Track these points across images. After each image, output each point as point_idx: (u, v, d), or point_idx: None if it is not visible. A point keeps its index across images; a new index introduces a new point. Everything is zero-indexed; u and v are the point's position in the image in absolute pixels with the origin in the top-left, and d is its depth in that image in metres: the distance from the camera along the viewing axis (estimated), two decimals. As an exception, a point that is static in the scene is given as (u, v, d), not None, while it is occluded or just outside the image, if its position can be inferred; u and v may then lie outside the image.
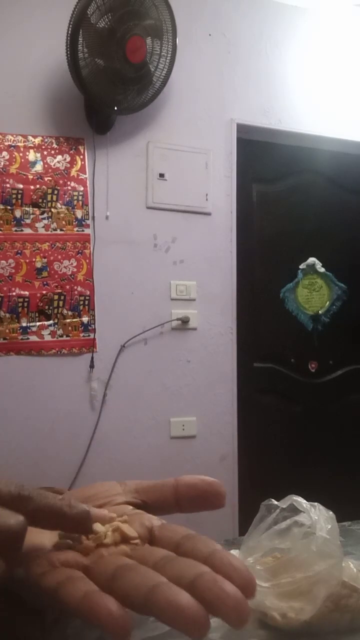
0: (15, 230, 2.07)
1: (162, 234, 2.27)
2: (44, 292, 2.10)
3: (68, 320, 2.12)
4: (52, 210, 2.12)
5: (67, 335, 2.12)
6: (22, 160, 2.10)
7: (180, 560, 0.30)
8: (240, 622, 0.26)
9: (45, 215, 2.11)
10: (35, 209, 2.10)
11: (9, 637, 0.34)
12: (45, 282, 2.10)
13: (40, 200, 2.11)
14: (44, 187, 2.11)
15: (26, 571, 0.31)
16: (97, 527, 0.34)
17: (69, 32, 1.96)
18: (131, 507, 0.37)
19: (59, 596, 0.29)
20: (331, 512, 0.43)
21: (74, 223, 2.15)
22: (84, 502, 0.36)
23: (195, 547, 0.31)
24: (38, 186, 2.11)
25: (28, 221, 2.09)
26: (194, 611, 0.25)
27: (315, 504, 0.43)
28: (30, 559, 0.32)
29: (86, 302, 2.14)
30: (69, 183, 2.15)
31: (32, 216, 2.09)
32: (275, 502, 0.45)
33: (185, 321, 2.26)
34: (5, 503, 0.30)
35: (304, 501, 0.43)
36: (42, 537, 0.35)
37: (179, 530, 0.34)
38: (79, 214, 2.16)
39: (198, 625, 0.25)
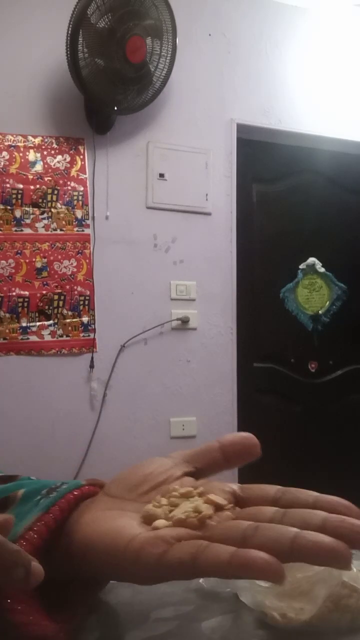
0: (15, 230, 2.07)
1: (162, 234, 2.27)
2: (44, 292, 2.10)
3: (68, 320, 2.12)
4: (52, 210, 2.12)
5: (67, 335, 2.12)
6: (22, 160, 2.10)
7: (296, 512, 0.32)
8: None
9: (45, 215, 2.11)
10: (35, 209, 2.10)
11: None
12: (45, 282, 2.10)
13: (40, 200, 2.11)
14: (44, 187, 2.11)
15: (138, 554, 0.32)
16: (185, 505, 0.35)
17: (69, 32, 1.96)
18: (192, 479, 0.39)
19: (199, 563, 0.30)
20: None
21: (74, 223, 2.15)
22: (143, 484, 0.39)
23: (296, 496, 0.34)
24: (38, 186, 2.11)
25: (28, 221, 2.09)
26: (341, 546, 0.28)
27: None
28: (141, 542, 0.32)
29: (86, 302, 2.14)
30: (69, 183, 2.15)
31: (32, 216, 2.09)
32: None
33: (185, 321, 2.26)
34: None
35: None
36: (123, 521, 0.35)
37: (263, 487, 0.37)
38: (79, 214, 2.16)
39: (347, 557, 0.28)
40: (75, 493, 0.40)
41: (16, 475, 0.46)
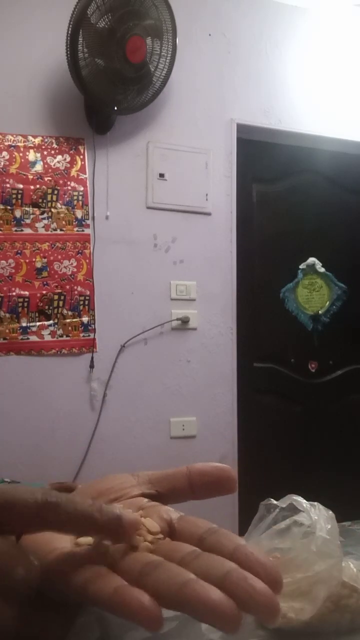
0: (15, 230, 2.07)
1: (162, 234, 2.27)
2: (44, 292, 2.10)
3: (68, 320, 2.12)
4: (52, 210, 2.12)
5: (67, 335, 2.12)
6: (22, 160, 2.10)
7: (207, 557, 0.30)
8: (272, 617, 0.26)
9: (45, 215, 2.11)
10: (35, 209, 2.10)
11: (32, 636, 0.33)
12: (45, 282, 2.10)
13: (40, 200, 2.11)
14: (44, 187, 2.11)
15: (52, 571, 0.32)
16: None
17: (69, 32, 1.96)
18: (146, 500, 0.38)
19: (88, 592, 0.29)
20: (331, 512, 0.43)
21: (74, 223, 2.15)
22: (99, 496, 0.37)
23: (219, 541, 0.31)
24: (38, 186, 2.11)
25: (28, 221, 2.09)
26: (226, 606, 0.26)
27: (315, 503, 0.43)
28: (56, 559, 0.32)
29: (86, 302, 2.14)
30: (69, 183, 2.15)
31: (32, 216, 2.09)
32: (275, 502, 0.45)
33: (185, 321, 2.26)
34: (32, 512, 0.29)
35: (304, 501, 0.43)
36: (60, 538, 0.35)
37: (200, 523, 0.34)
38: (79, 214, 2.16)
39: (232, 620, 0.26)
40: None
41: None
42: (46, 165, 2.13)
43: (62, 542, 0.34)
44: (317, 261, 2.58)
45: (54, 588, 0.32)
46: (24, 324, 2.06)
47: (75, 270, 2.14)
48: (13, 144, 2.09)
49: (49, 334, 2.09)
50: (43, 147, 2.13)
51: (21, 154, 2.10)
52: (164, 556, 0.31)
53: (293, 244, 2.58)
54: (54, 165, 2.14)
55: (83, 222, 2.16)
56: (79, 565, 0.31)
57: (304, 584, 0.37)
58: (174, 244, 2.29)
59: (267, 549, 0.42)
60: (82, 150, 2.18)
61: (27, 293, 2.07)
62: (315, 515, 0.41)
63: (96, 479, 0.43)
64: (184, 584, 0.27)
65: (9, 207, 2.07)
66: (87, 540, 0.33)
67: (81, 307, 2.14)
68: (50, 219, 2.12)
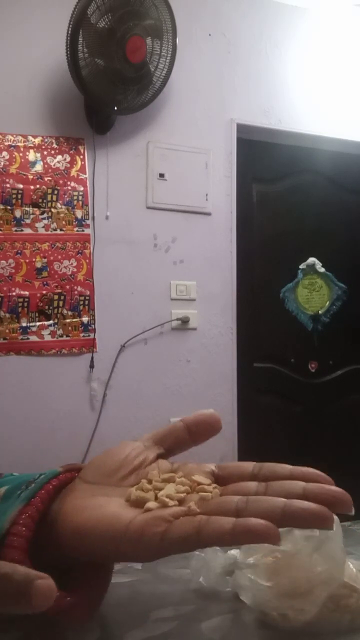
0: (15, 230, 2.07)
1: (162, 234, 2.27)
2: (44, 292, 2.10)
3: (68, 320, 2.12)
4: (52, 210, 2.12)
5: (67, 335, 2.11)
6: (22, 160, 2.10)
7: (277, 484, 0.35)
8: (349, 509, 0.33)
9: (45, 215, 2.11)
10: (35, 209, 2.10)
11: None
12: (45, 282, 2.10)
13: (40, 200, 2.11)
14: (44, 187, 2.11)
15: (140, 535, 0.34)
16: (169, 489, 0.37)
17: (69, 32, 1.96)
18: (167, 461, 0.42)
19: (203, 536, 0.32)
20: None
21: (74, 223, 2.15)
22: (120, 468, 0.40)
23: (273, 471, 0.37)
24: (38, 186, 2.11)
25: (28, 221, 2.09)
26: (324, 510, 0.32)
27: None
28: (141, 523, 0.34)
29: (86, 302, 2.14)
30: (69, 183, 2.15)
31: (32, 216, 2.09)
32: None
33: (185, 321, 2.26)
34: None
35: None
36: (113, 507, 0.36)
37: (239, 465, 0.39)
38: (79, 214, 2.16)
39: (330, 519, 0.32)
40: (54, 483, 0.40)
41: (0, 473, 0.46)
42: (46, 165, 2.13)
43: (126, 514, 0.36)
44: (317, 261, 2.58)
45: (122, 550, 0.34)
46: (24, 324, 2.06)
47: (75, 270, 2.14)
48: (13, 144, 2.09)
49: (49, 334, 2.09)
50: (43, 147, 2.13)
51: (21, 154, 2.10)
52: (237, 495, 0.35)
53: (293, 244, 2.58)
54: (54, 165, 2.14)
55: (83, 222, 2.16)
56: (171, 521, 0.34)
57: (304, 585, 0.37)
58: (174, 244, 2.29)
59: (267, 549, 0.42)
60: (82, 150, 2.18)
61: (27, 293, 2.07)
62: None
63: (73, 464, 0.44)
64: (284, 506, 0.32)
65: (9, 207, 2.07)
66: (155, 504, 0.35)
67: (81, 307, 2.14)
68: (50, 219, 2.12)
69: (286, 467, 0.37)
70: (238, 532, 0.31)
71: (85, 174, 2.18)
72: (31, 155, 2.11)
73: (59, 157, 2.15)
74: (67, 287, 2.13)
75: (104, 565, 0.41)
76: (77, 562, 0.40)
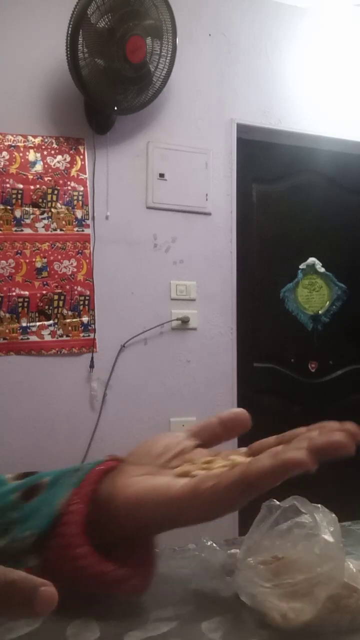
0: (15, 230, 2.07)
1: (162, 234, 2.27)
2: (44, 292, 2.10)
3: (68, 320, 2.12)
4: (52, 210, 2.12)
5: (67, 335, 2.11)
6: (22, 160, 2.10)
7: (302, 436, 0.40)
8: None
9: (45, 215, 2.11)
10: (35, 209, 2.10)
11: None
12: (45, 282, 2.10)
13: (40, 200, 2.10)
14: (44, 187, 2.11)
15: (194, 492, 0.38)
16: (213, 464, 0.41)
17: (69, 32, 1.96)
18: (202, 449, 0.46)
19: (249, 476, 0.37)
20: (334, 515, 0.43)
21: (74, 223, 2.15)
22: (164, 453, 0.45)
23: (295, 432, 0.42)
24: (38, 186, 2.11)
25: (28, 221, 2.09)
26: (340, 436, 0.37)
27: (319, 505, 0.43)
28: (193, 482, 0.39)
29: (86, 302, 2.14)
30: (69, 183, 2.15)
31: (32, 216, 2.09)
32: (277, 503, 0.45)
33: (185, 321, 2.26)
34: None
35: (308, 502, 0.43)
36: (163, 478, 0.41)
37: (262, 440, 0.45)
38: (79, 214, 2.16)
39: (347, 442, 0.37)
40: (102, 467, 0.45)
41: (35, 471, 0.50)
42: (46, 165, 2.12)
43: (176, 482, 0.40)
44: (317, 261, 2.58)
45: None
46: (24, 324, 2.06)
47: (75, 270, 2.14)
48: (13, 144, 2.09)
49: (49, 334, 2.09)
50: (43, 147, 2.13)
51: (21, 154, 2.10)
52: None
53: (293, 244, 2.58)
54: (54, 165, 2.14)
55: (83, 222, 2.16)
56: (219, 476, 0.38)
57: (305, 585, 0.37)
58: (174, 244, 2.29)
59: (268, 550, 0.42)
60: (82, 150, 2.18)
61: (27, 293, 2.07)
62: (319, 517, 0.41)
63: (114, 454, 0.48)
64: (318, 437, 0.38)
65: (9, 207, 2.07)
66: (203, 473, 0.40)
67: (81, 307, 2.14)
68: (50, 219, 2.12)
69: (305, 429, 0.41)
70: (277, 464, 0.36)
71: (85, 174, 2.18)
72: (31, 155, 2.11)
73: (59, 157, 2.15)
74: (67, 287, 2.12)
75: (151, 541, 0.45)
76: (127, 538, 0.43)
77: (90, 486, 0.43)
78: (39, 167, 2.11)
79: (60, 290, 2.12)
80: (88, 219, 2.17)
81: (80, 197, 2.16)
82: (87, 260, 2.16)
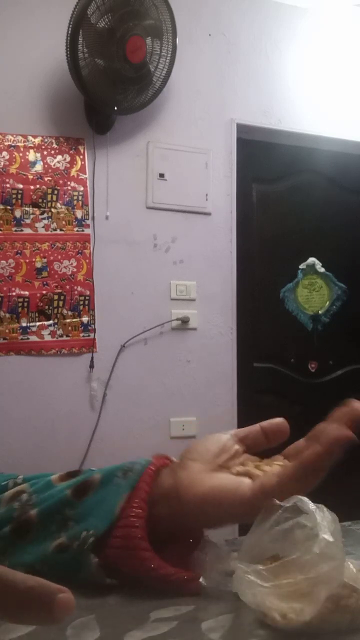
0: (15, 230, 2.07)
1: (162, 234, 2.27)
2: (44, 292, 2.10)
3: (68, 320, 2.12)
4: (52, 210, 2.12)
5: (67, 335, 2.12)
6: (22, 160, 2.10)
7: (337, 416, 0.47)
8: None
9: (45, 215, 2.11)
10: (35, 209, 2.10)
11: None
12: (45, 282, 2.10)
13: (40, 200, 2.11)
14: (44, 187, 2.11)
15: (262, 487, 0.43)
16: (265, 466, 0.46)
17: (69, 32, 1.96)
18: (251, 455, 0.49)
19: (304, 462, 0.43)
20: (334, 514, 0.43)
21: (74, 223, 2.15)
22: (221, 454, 0.47)
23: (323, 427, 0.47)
24: (38, 186, 2.11)
25: (28, 221, 2.09)
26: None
27: (320, 505, 0.43)
28: (261, 479, 0.44)
29: (86, 302, 2.14)
30: (69, 183, 2.15)
31: (32, 216, 2.09)
32: (277, 502, 0.45)
33: (185, 321, 2.26)
34: None
35: (310, 502, 0.43)
36: (228, 477, 0.45)
37: (298, 442, 0.48)
38: (79, 214, 2.16)
39: None
40: (152, 468, 0.48)
41: (79, 469, 0.53)
42: (46, 165, 2.13)
43: (229, 477, 0.45)
44: (317, 261, 2.59)
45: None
46: (24, 324, 2.06)
47: (75, 270, 2.14)
48: (13, 144, 2.09)
49: (49, 334, 2.09)
50: (43, 147, 2.13)
51: (21, 154, 2.10)
52: None
53: (293, 244, 2.58)
54: (54, 165, 2.14)
55: (83, 222, 2.16)
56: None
57: (305, 585, 0.37)
58: (174, 244, 2.29)
59: (268, 550, 0.42)
60: (82, 150, 2.18)
61: (27, 293, 2.07)
62: (320, 517, 0.41)
63: (161, 453, 0.51)
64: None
65: (9, 207, 2.07)
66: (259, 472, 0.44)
67: (81, 307, 2.14)
68: (50, 219, 2.12)
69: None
70: (328, 442, 0.42)
71: (85, 174, 2.18)
72: (31, 155, 2.11)
73: (59, 157, 2.15)
74: (67, 287, 2.13)
75: (199, 540, 0.48)
76: (182, 537, 0.47)
77: (146, 487, 0.45)
78: (39, 167, 2.11)
79: (60, 290, 2.12)
80: (88, 219, 2.17)
81: (80, 197, 2.16)
82: (87, 260, 2.16)
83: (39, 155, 2.12)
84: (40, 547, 0.45)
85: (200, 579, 0.45)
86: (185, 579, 0.44)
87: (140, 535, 0.43)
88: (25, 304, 2.07)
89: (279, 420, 0.51)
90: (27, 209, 2.09)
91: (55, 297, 2.11)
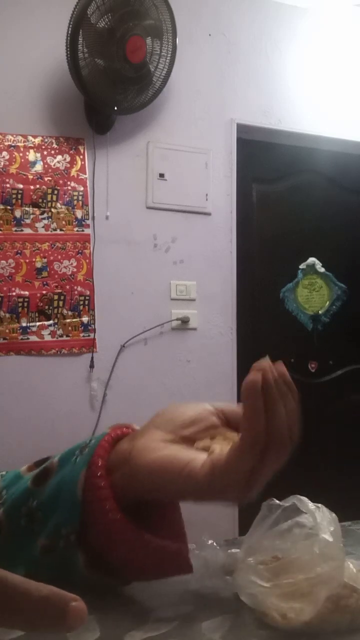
0: (15, 230, 2.07)
1: (162, 234, 2.27)
2: (44, 292, 2.10)
3: (68, 320, 2.12)
4: (52, 210, 2.12)
5: (67, 335, 2.11)
6: (22, 160, 2.10)
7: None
8: None
9: (45, 215, 2.11)
10: (35, 209, 2.10)
11: None
12: (45, 282, 2.10)
13: (40, 200, 2.10)
14: (44, 187, 2.11)
15: (212, 465, 0.41)
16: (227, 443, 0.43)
17: (69, 32, 1.96)
18: (225, 429, 0.47)
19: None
20: (334, 514, 0.43)
21: (74, 223, 2.15)
22: (191, 425, 0.45)
23: None
24: (38, 186, 2.11)
25: (28, 221, 2.09)
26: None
27: (319, 505, 0.43)
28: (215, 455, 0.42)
29: (86, 302, 2.14)
30: (68, 183, 2.15)
31: (32, 216, 2.09)
32: (278, 502, 0.45)
33: (185, 321, 2.26)
34: None
35: (309, 502, 0.43)
36: (184, 450, 0.43)
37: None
38: (79, 214, 2.16)
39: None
40: (108, 439, 0.46)
41: (49, 457, 0.52)
42: (46, 165, 2.12)
43: (186, 451, 0.43)
44: (317, 261, 2.58)
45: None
46: (24, 324, 2.06)
47: (75, 270, 2.14)
48: (13, 144, 2.09)
49: (49, 334, 2.09)
50: (43, 147, 2.13)
51: (21, 154, 2.10)
52: None
53: (293, 244, 2.58)
54: (54, 165, 2.14)
55: (83, 222, 2.16)
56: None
57: (304, 585, 0.37)
58: (174, 244, 2.29)
59: (268, 550, 0.42)
60: (82, 150, 2.18)
61: (27, 293, 2.07)
62: (319, 517, 0.41)
63: (121, 424, 0.49)
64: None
65: (9, 207, 2.07)
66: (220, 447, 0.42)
67: (81, 307, 2.14)
68: (50, 219, 2.12)
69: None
70: (243, 395, 0.40)
71: (85, 174, 2.18)
72: (31, 155, 2.11)
73: (59, 157, 2.15)
74: (67, 287, 2.12)
75: (179, 517, 0.47)
76: (157, 509, 0.45)
77: (102, 460, 0.44)
78: (39, 167, 2.11)
79: (60, 290, 2.12)
80: (88, 219, 2.17)
81: (80, 197, 2.16)
82: (87, 260, 2.16)
83: (39, 155, 2.12)
84: (26, 552, 0.44)
85: (192, 547, 0.44)
86: (179, 549, 0.43)
87: (118, 518, 0.41)
88: (25, 304, 2.07)
89: None
90: (27, 209, 2.09)
91: (55, 297, 2.11)
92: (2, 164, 2.07)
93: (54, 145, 2.14)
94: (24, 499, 0.46)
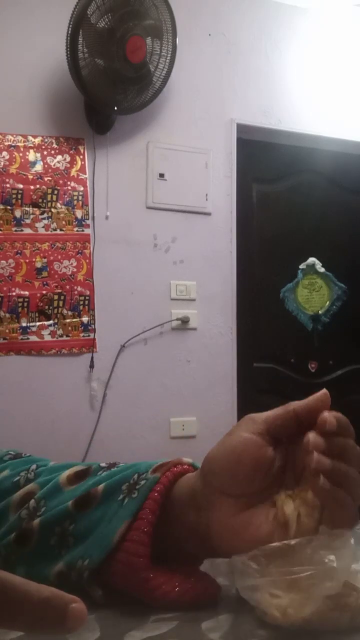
0: (15, 230, 2.07)
1: (162, 234, 2.27)
2: (44, 292, 2.10)
3: (68, 320, 2.12)
4: (52, 210, 2.12)
5: (67, 335, 2.12)
6: (22, 160, 2.10)
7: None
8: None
9: (45, 215, 2.11)
10: (35, 209, 2.10)
11: None
12: (45, 282, 2.10)
13: (40, 200, 2.11)
14: (44, 187, 2.11)
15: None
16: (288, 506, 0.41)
17: (69, 32, 1.96)
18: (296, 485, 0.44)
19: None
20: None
21: (74, 223, 2.15)
22: (254, 477, 0.42)
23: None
24: (38, 186, 2.11)
25: (28, 221, 2.09)
26: None
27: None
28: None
29: (86, 302, 2.14)
30: (69, 183, 2.15)
31: (32, 216, 2.09)
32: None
33: (185, 321, 2.26)
34: None
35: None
36: (262, 527, 0.41)
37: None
38: (79, 214, 2.16)
39: None
40: (160, 489, 0.44)
41: (89, 467, 0.50)
42: (46, 165, 2.13)
43: (263, 529, 0.41)
44: (317, 261, 2.58)
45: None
46: (24, 324, 2.06)
47: (75, 270, 2.14)
48: (13, 144, 2.09)
49: (49, 334, 2.09)
50: (43, 147, 2.13)
51: (21, 154, 2.10)
52: None
53: (293, 244, 2.58)
54: (54, 165, 2.14)
55: (83, 222, 2.16)
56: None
57: (303, 582, 0.37)
58: (174, 244, 2.29)
59: (269, 545, 0.42)
60: (82, 150, 2.18)
61: (27, 293, 2.07)
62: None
63: (175, 461, 0.47)
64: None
65: (9, 207, 2.07)
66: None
67: (81, 307, 2.14)
68: (50, 219, 2.12)
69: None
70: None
71: (85, 174, 2.18)
72: (31, 155, 2.11)
73: (59, 157, 2.15)
74: (67, 287, 2.13)
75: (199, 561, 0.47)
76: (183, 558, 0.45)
77: (151, 516, 0.42)
78: (39, 167, 2.11)
79: (60, 290, 2.12)
80: (88, 219, 2.17)
81: (80, 197, 2.16)
82: (87, 260, 2.16)
83: (39, 155, 2.12)
84: (42, 573, 0.44)
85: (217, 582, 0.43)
86: (204, 591, 0.43)
87: (144, 564, 0.41)
88: (25, 304, 2.07)
89: (321, 393, 0.46)
90: (27, 209, 2.09)
91: (55, 297, 2.11)
92: (2, 164, 2.07)
93: (54, 145, 2.14)
94: (61, 518, 0.46)
